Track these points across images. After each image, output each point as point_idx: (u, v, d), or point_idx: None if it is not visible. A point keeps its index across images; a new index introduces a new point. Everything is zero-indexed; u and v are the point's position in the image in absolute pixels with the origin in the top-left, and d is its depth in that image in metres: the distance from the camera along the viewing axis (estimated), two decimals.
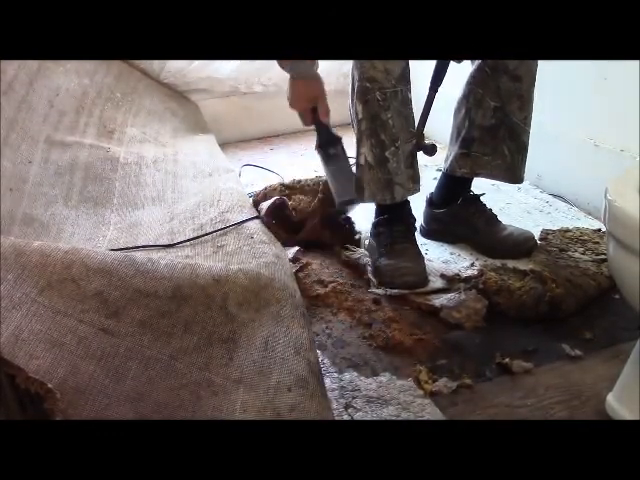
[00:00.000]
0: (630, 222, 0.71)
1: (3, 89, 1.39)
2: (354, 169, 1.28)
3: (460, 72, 1.31)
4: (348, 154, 1.32)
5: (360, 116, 1.20)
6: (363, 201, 1.27)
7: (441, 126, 1.50)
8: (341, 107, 1.36)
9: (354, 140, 1.26)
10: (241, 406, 0.74)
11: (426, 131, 1.29)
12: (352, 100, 1.22)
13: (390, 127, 1.18)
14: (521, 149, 1.30)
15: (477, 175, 1.35)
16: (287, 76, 1.26)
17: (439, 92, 1.26)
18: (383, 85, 1.16)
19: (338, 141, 1.31)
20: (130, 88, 1.84)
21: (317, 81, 1.26)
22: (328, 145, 1.30)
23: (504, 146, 1.29)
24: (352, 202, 1.30)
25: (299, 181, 1.47)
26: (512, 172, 1.31)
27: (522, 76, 1.22)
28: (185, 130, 1.86)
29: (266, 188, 1.45)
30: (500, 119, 1.27)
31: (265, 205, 1.28)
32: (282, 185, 1.45)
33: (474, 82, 1.27)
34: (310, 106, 1.28)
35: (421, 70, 1.41)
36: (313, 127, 1.32)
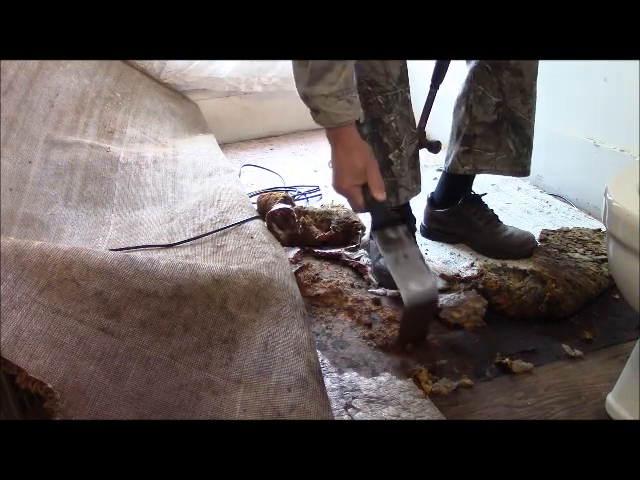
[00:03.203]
0: (630, 222, 0.71)
1: (3, 89, 1.39)
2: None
3: (458, 69, 1.30)
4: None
5: (361, 120, 1.16)
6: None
7: (439, 125, 1.49)
8: None
9: None
10: (241, 406, 0.74)
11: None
12: None
13: (393, 130, 1.17)
14: (526, 142, 1.29)
15: (480, 171, 1.34)
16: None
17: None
18: (384, 88, 1.14)
19: (400, 221, 1.05)
20: (130, 88, 1.84)
21: (363, 141, 1.01)
22: (387, 226, 1.04)
23: (508, 140, 1.28)
24: (432, 302, 1.03)
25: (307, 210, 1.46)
26: (518, 165, 1.30)
27: (524, 70, 1.22)
28: (185, 130, 1.86)
29: (270, 194, 1.47)
30: (502, 114, 1.26)
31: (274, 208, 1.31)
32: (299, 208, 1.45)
33: (474, 79, 1.27)
34: (361, 182, 1.01)
35: (421, 69, 1.41)
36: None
